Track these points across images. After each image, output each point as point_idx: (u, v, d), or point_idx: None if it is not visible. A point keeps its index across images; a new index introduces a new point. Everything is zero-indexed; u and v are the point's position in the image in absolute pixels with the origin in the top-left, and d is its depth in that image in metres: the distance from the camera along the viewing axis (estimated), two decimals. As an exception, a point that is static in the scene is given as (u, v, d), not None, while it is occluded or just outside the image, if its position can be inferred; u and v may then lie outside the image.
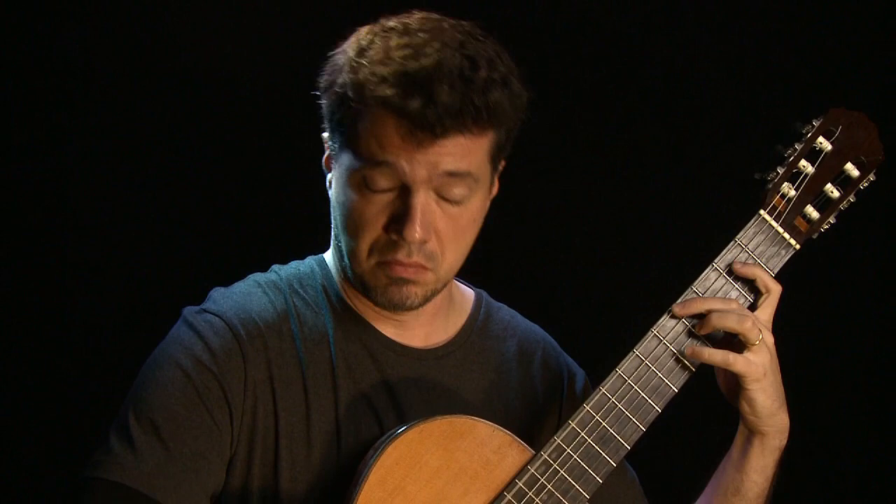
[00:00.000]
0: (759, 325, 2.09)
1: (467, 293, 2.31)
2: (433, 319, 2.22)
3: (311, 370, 2.13)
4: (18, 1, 2.83)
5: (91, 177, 2.93)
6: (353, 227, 2.09)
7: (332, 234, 2.20)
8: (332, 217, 2.16)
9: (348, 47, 2.09)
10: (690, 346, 2.10)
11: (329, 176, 2.16)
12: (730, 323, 2.09)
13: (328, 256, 2.24)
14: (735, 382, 2.12)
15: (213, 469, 2.07)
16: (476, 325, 2.26)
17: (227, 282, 2.22)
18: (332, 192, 2.14)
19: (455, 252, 2.11)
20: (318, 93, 2.13)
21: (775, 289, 2.13)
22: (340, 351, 2.15)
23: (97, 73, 2.91)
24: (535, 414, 2.25)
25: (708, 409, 2.38)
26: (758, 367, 2.09)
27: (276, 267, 2.24)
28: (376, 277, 2.11)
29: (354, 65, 2.06)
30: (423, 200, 2.06)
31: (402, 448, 2.02)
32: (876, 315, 3.18)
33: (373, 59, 2.05)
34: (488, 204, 2.16)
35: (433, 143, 2.03)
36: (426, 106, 2.01)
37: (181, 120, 2.94)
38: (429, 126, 2.01)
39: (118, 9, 2.90)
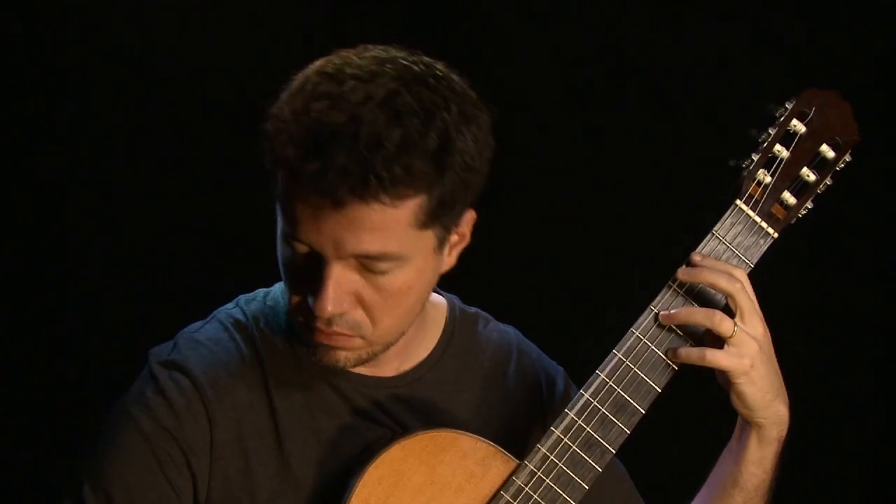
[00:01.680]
0: (734, 322, 2.04)
1: (439, 303, 2.20)
2: (406, 349, 2.14)
3: (284, 416, 2.06)
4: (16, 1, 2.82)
5: (89, 179, 2.93)
6: (286, 280, 2.01)
7: None
8: None
9: (289, 88, 1.95)
10: (670, 346, 2.07)
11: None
12: (697, 318, 2.06)
13: None
14: (725, 378, 2.08)
15: None
16: (449, 343, 2.18)
17: (225, 285, 2.19)
18: None
19: (392, 318, 1.98)
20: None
21: (731, 289, 2.05)
22: (312, 393, 2.08)
23: (96, 77, 2.91)
24: (517, 427, 2.20)
25: (703, 406, 2.37)
26: (741, 360, 2.04)
27: (241, 300, 2.15)
28: (305, 335, 2.02)
29: (277, 114, 1.91)
30: (336, 273, 1.91)
31: (385, 466, 2.00)
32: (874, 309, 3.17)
33: (294, 108, 1.89)
34: (436, 267, 2.01)
35: (334, 213, 1.86)
36: (322, 171, 1.83)
37: (180, 122, 2.93)
38: (326, 192, 1.84)
39: (119, 10, 2.88)
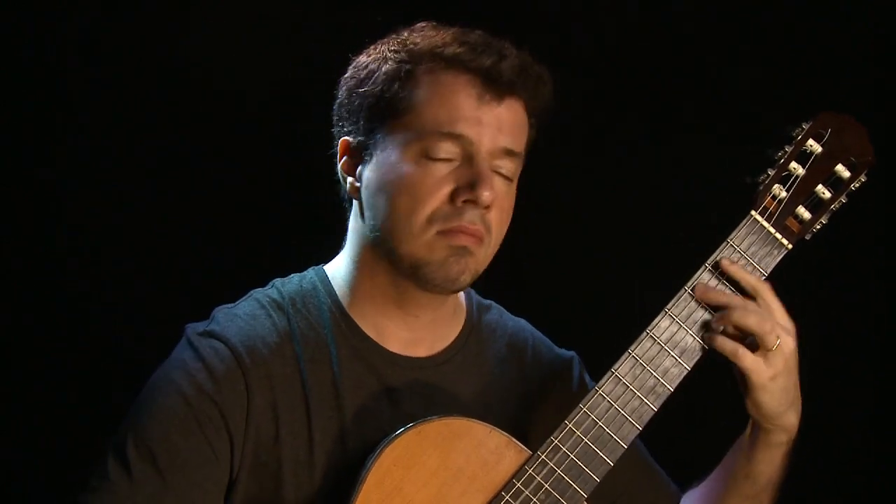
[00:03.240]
0: (777, 331, 2.09)
1: (459, 293, 2.31)
2: (442, 323, 2.24)
3: (314, 392, 2.15)
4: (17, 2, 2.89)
5: (95, 182, 2.95)
6: (409, 201, 2.11)
7: (355, 236, 2.21)
8: (366, 210, 2.16)
9: (381, 47, 2.17)
10: (702, 333, 2.11)
11: (350, 177, 2.18)
12: (751, 321, 2.08)
13: (330, 269, 2.26)
14: (744, 383, 2.12)
15: (208, 500, 2.09)
16: (473, 329, 2.29)
17: (226, 285, 2.25)
18: (367, 184, 2.16)
19: (499, 232, 2.17)
20: (339, 96, 2.19)
21: (761, 288, 2.12)
22: (344, 370, 2.17)
23: (101, 80, 2.94)
24: (531, 412, 2.28)
25: (711, 403, 2.40)
26: (765, 371, 2.09)
27: (277, 282, 2.25)
28: (434, 250, 2.12)
29: (407, 44, 2.14)
30: (488, 167, 2.12)
31: (400, 450, 2.05)
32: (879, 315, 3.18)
33: (425, 36, 2.15)
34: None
35: (499, 105, 2.11)
36: (498, 61, 2.11)
37: (182, 123, 2.98)
38: (499, 82, 2.11)
39: (121, 12, 2.95)
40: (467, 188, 2.10)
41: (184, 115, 2.94)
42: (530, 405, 2.28)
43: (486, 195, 2.10)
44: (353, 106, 2.17)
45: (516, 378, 2.29)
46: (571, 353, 2.37)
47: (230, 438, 2.10)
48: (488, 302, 2.36)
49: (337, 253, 2.27)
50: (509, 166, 2.15)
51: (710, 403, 2.23)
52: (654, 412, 2.11)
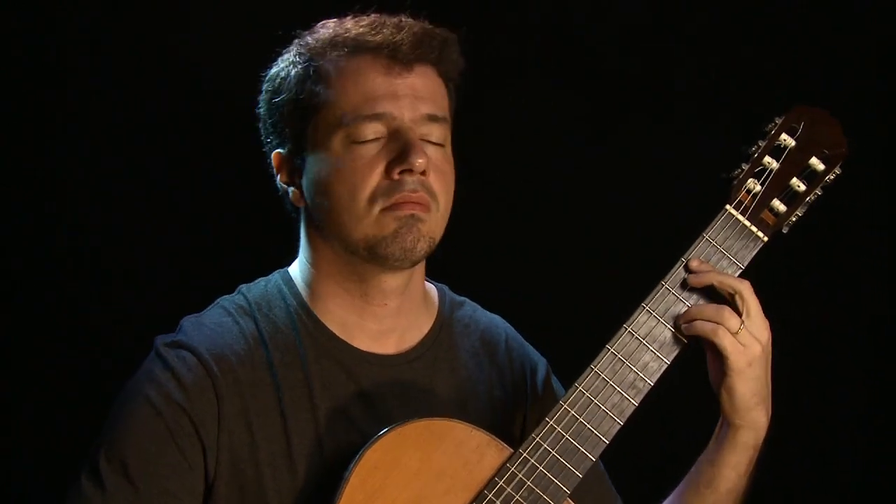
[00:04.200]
0: (741, 319, 2.10)
1: (431, 289, 2.34)
2: (409, 315, 2.25)
3: (287, 394, 2.17)
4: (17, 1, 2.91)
5: (83, 182, 2.98)
6: (347, 187, 2.15)
7: (308, 241, 2.23)
8: (313, 212, 2.20)
9: (286, 55, 2.22)
10: (682, 316, 2.13)
11: (292, 187, 2.22)
12: (707, 313, 2.12)
13: (294, 270, 2.27)
14: (720, 370, 2.13)
15: None
16: (444, 324, 2.30)
17: (209, 288, 2.27)
18: (307, 187, 2.19)
19: (445, 196, 2.19)
20: (260, 112, 2.24)
21: (740, 287, 2.13)
22: (314, 370, 2.18)
23: (93, 80, 2.97)
24: (503, 408, 2.29)
25: (689, 405, 2.40)
26: (744, 353, 2.11)
27: (243, 288, 2.27)
28: (383, 226, 2.15)
29: (309, 44, 2.19)
30: (415, 136, 2.15)
31: (381, 452, 2.06)
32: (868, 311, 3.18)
33: (324, 32, 2.19)
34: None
35: (409, 74, 2.16)
36: (397, 33, 2.16)
37: (156, 133, 3.00)
38: (402, 53, 2.15)
39: (121, 12, 2.97)
40: (399, 160, 2.14)
41: (156, 124, 2.97)
42: (503, 401, 2.30)
43: (418, 161, 2.14)
44: (275, 118, 2.22)
45: (489, 373, 2.30)
46: (542, 357, 2.39)
47: (202, 447, 2.12)
48: (462, 298, 2.37)
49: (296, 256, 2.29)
50: (437, 132, 2.19)
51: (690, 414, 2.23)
52: (634, 407, 2.12)
